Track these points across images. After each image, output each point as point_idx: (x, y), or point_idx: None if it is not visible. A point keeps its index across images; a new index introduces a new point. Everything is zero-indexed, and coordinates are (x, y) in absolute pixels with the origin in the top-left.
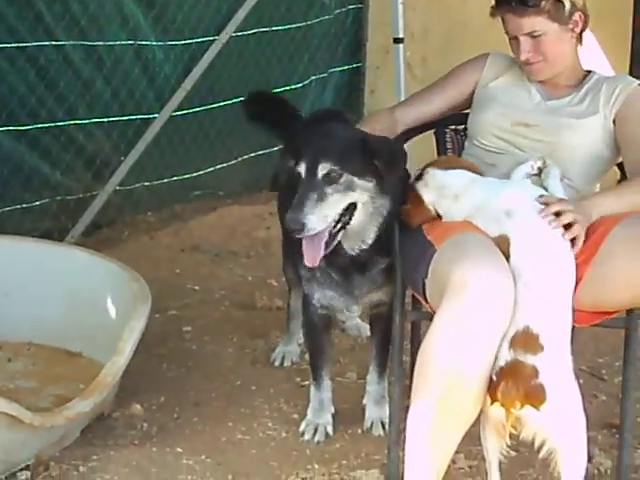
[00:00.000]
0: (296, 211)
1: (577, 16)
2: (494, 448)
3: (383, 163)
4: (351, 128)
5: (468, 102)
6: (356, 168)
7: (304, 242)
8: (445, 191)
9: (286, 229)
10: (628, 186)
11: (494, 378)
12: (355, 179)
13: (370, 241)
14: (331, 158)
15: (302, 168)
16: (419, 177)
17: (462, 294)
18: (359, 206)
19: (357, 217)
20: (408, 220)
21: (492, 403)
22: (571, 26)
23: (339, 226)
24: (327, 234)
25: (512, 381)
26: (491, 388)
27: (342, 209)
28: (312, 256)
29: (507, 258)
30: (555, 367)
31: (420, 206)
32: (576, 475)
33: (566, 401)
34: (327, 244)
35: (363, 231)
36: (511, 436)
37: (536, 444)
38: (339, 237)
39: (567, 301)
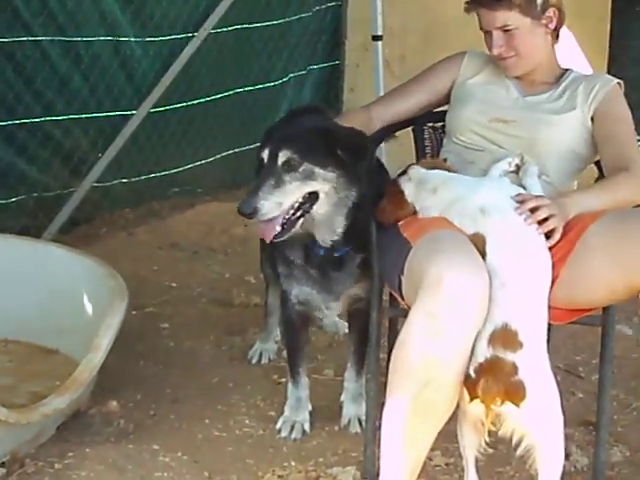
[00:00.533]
0: (250, 196)
1: (551, 12)
2: (471, 445)
3: (347, 154)
4: (319, 119)
5: (445, 100)
6: (317, 158)
7: (260, 224)
8: (425, 185)
9: (238, 212)
10: (607, 183)
11: (473, 375)
12: (316, 169)
13: (340, 230)
14: (291, 146)
15: (265, 155)
16: (403, 173)
17: (437, 290)
18: (321, 196)
19: (321, 207)
20: (385, 216)
21: (471, 400)
22: (544, 21)
23: (298, 213)
24: (282, 219)
25: (492, 378)
26: (470, 385)
27: (302, 197)
28: (266, 233)
29: (483, 256)
30: (534, 364)
31: (400, 200)
32: (553, 472)
33: (545, 398)
34: (285, 230)
35: (330, 221)
36: (489, 433)
37: (514, 441)
38: (298, 225)
39: (543, 299)
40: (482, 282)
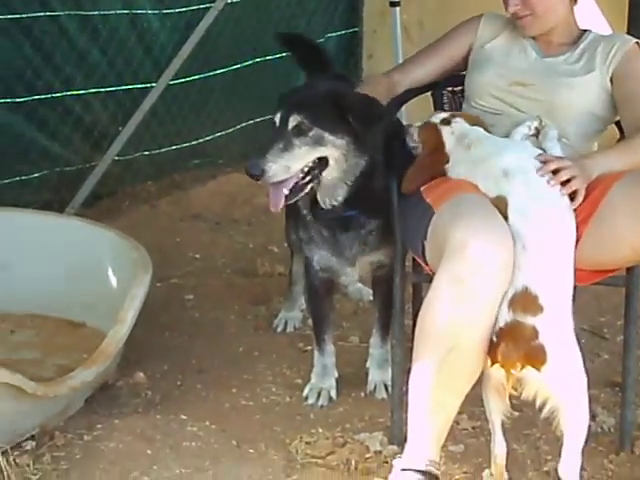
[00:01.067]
0: (258, 157)
1: None
2: (496, 409)
3: (357, 121)
4: (335, 85)
5: (463, 64)
6: (328, 124)
7: (269, 189)
8: (463, 140)
9: (246, 172)
10: (628, 144)
11: (494, 339)
12: (325, 134)
13: (340, 197)
14: (302, 111)
15: (277, 118)
16: (446, 122)
17: (462, 255)
18: (331, 162)
19: (329, 172)
20: (423, 170)
21: (492, 364)
22: None
23: (308, 178)
24: (291, 184)
25: (512, 342)
26: (491, 349)
27: (311, 162)
28: (273, 202)
29: (505, 219)
30: (555, 328)
31: (441, 154)
32: (578, 433)
33: (567, 361)
34: (293, 194)
35: (334, 187)
36: (512, 397)
37: (537, 404)
38: (307, 189)
39: (568, 261)
40: (507, 247)
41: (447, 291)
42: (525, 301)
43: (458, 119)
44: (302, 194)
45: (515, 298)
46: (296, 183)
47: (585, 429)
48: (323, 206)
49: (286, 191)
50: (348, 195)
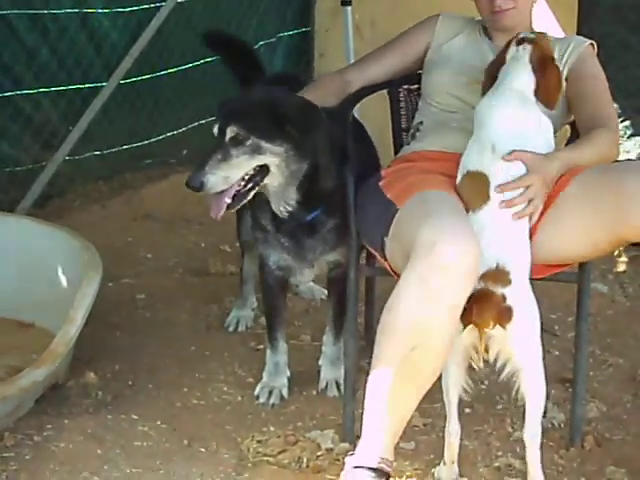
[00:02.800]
0: (197, 170)
1: None
2: (455, 383)
3: (294, 128)
4: (270, 92)
5: (419, 64)
6: (265, 132)
7: (210, 197)
8: (501, 74)
9: (186, 186)
10: (587, 140)
11: (465, 305)
12: (262, 142)
13: (293, 202)
14: (239, 122)
15: (215, 129)
16: (519, 42)
17: (429, 255)
18: (272, 169)
19: (273, 179)
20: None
21: (465, 327)
22: None
23: (249, 186)
24: (232, 193)
25: (485, 304)
26: (464, 313)
27: (251, 170)
28: (215, 210)
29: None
30: (520, 295)
31: (497, 62)
32: (537, 398)
33: (529, 322)
34: (235, 202)
35: (282, 192)
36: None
37: (498, 364)
38: (249, 196)
39: (527, 239)
40: (473, 248)
41: (413, 290)
42: (497, 275)
43: (528, 47)
44: (244, 201)
45: (488, 273)
46: (238, 191)
47: (543, 394)
48: (279, 214)
49: (228, 200)
50: (301, 198)
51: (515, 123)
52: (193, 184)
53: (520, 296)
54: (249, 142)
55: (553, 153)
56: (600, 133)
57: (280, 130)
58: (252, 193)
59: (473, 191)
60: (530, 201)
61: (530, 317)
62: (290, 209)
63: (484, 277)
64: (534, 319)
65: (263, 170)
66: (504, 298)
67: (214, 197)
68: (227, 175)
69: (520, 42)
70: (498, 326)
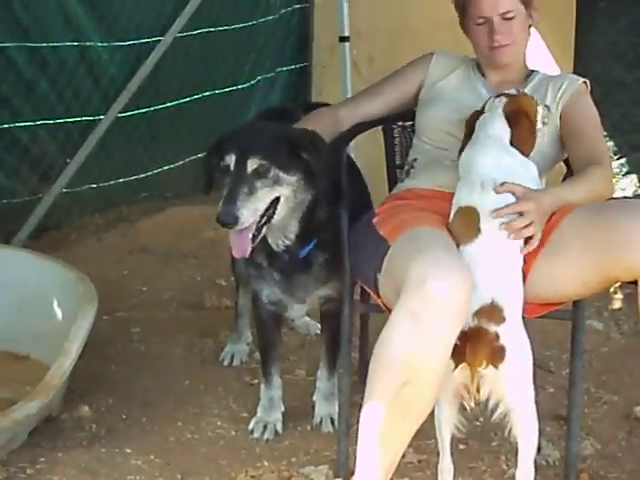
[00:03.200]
0: (229, 204)
1: (535, 4)
2: (448, 421)
3: (311, 157)
4: (276, 124)
5: (413, 102)
6: (282, 163)
7: (231, 235)
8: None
9: (218, 222)
10: (581, 178)
11: (457, 343)
12: (281, 173)
13: (293, 235)
14: (260, 152)
15: (231, 162)
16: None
17: (421, 291)
18: (281, 200)
19: (279, 212)
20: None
21: (457, 366)
22: (529, 12)
23: (264, 220)
24: (254, 227)
25: (478, 342)
26: (456, 351)
27: (268, 203)
28: (241, 249)
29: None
30: (514, 334)
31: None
32: (530, 439)
33: (521, 362)
34: (254, 237)
35: (284, 226)
36: (463, 409)
37: (490, 405)
38: (264, 231)
39: (520, 277)
40: (465, 283)
41: (404, 326)
42: (491, 312)
43: (503, 99)
44: (261, 236)
45: (482, 310)
46: (256, 226)
47: (536, 434)
48: (276, 248)
49: (251, 235)
50: (300, 232)
51: (500, 164)
52: (227, 220)
53: (513, 335)
54: (271, 174)
55: (545, 188)
56: (594, 170)
57: (294, 160)
58: (266, 228)
59: (464, 225)
60: (528, 225)
61: (523, 357)
62: (288, 243)
63: (479, 314)
64: (527, 359)
65: (274, 203)
66: (497, 337)
67: (236, 235)
68: (256, 208)
69: (498, 96)
70: (490, 366)
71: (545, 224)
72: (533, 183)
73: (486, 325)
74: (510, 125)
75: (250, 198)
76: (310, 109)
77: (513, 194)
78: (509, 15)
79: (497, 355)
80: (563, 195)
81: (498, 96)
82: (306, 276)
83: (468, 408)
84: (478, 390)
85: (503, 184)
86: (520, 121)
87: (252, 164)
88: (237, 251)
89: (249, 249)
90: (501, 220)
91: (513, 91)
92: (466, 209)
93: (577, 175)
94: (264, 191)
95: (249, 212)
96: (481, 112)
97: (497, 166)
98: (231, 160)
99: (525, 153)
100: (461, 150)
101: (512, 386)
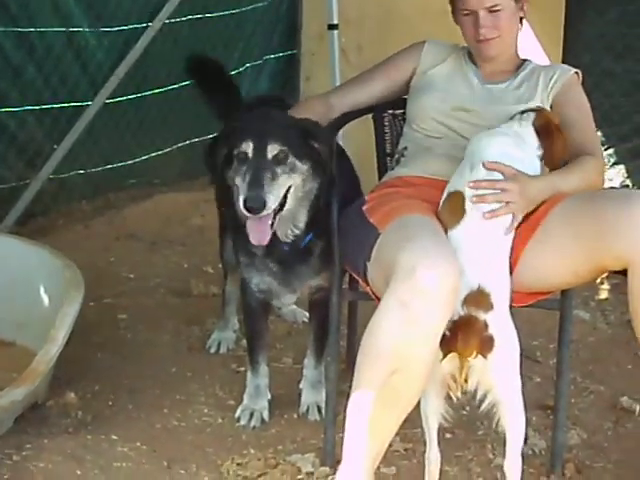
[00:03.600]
0: (256, 189)
1: None
2: (434, 411)
3: (322, 145)
4: (281, 112)
5: (404, 89)
6: (297, 150)
7: (250, 222)
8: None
9: (245, 208)
10: (572, 167)
11: (447, 333)
12: (296, 161)
13: (302, 225)
14: (279, 139)
15: (248, 149)
16: None
17: (410, 280)
18: (292, 189)
19: (289, 201)
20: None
21: (445, 356)
22: (520, 5)
23: (278, 208)
24: (273, 214)
25: (468, 331)
26: (445, 341)
27: (285, 191)
28: (260, 236)
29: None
30: (501, 323)
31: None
32: (517, 429)
33: (509, 353)
34: (273, 225)
35: (294, 215)
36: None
37: (479, 396)
38: (277, 220)
39: (507, 265)
40: (453, 272)
41: (393, 314)
42: (479, 298)
43: (532, 114)
44: (276, 225)
45: (470, 296)
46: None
47: (523, 425)
48: (284, 239)
49: (270, 222)
50: (308, 221)
51: (505, 154)
52: (255, 204)
53: (501, 325)
54: (289, 160)
55: (539, 177)
56: (587, 160)
57: (306, 148)
58: (278, 217)
59: (451, 210)
60: (507, 204)
61: (511, 347)
62: (297, 232)
63: (467, 301)
64: (514, 349)
65: (287, 192)
66: (486, 326)
67: (256, 222)
68: (279, 194)
69: (523, 112)
70: (480, 356)
71: (536, 212)
72: (532, 171)
73: (475, 313)
74: (541, 140)
75: (273, 184)
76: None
77: (503, 174)
78: (496, 8)
79: (486, 345)
80: (555, 183)
81: (524, 112)
82: (305, 266)
83: (454, 398)
84: (466, 380)
85: (495, 162)
86: (553, 135)
87: (272, 150)
88: (255, 238)
89: (268, 236)
90: (476, 192)
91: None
92: (454, 194)
93: (570, 164)
94: (283, 177)
95: (274, 197)
96: None
97: (501, 155)
98: (248, 147)
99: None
100: None
101: (500, 377)
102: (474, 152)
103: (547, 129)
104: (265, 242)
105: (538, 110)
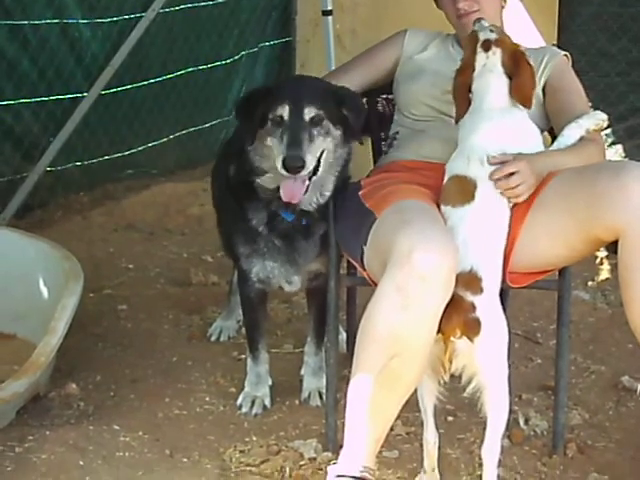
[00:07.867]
0: (296, 149)
1: None
2: (429, 392)
3: (352, 113)
4: (318, 78)
5: (389, 77)
6: (331, 115)
7: (285, 183)
8: (479, 82)
9: (284, 167)
10: (579, 148)
11: None
12: (330, 125)
13: (328, 193)
14: (315, 102)
15: (284, 112)
16: (486, 48)
17: (407, 264)
18: (324, 154)
19: (322, 165)
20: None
21: None
22: None
23: (311, 172)
24: (307, 177)
25: (453, 310)
26: None
27: (319, 154)
28: (294, 193)
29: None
30: (490, 307)
31: (466, 72)
32: (499, 416)
33: (496, 338)
34: (307, 188)
35: (322, 182)
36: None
37: (464, 380)
38: (310, 183)
39: (501, 251)
40: (450, 256)
41: (390, 299)
42: (469, 280)
43: (497, 51)
44: (309, 188)
45: (460, 276)
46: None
47: (506, 412)
48: (308, 208)
49: (307, 182)
50: (334, 190)
51: (502, 136)
52: (295, 163)
53: (489, 310)
54: (324, 123)
55: (541, 153)
56: (589, 145)
57: (338, 113)
58: (310, 182)
59: (458, 190)
60: (517, 186)
61: (498, 334)
62: (322, 202)
63: (456, 280)
64: (502, 336)
65: (320, 155)
66: (473, 307)
67: (291, 183)
68: (316, 155)
69: (487, 46)
70: (465, 338)
71: None
72: (535, 148)
73: (462, 293)
74: (510, 76)
75: (311, 145)
76: None
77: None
78: None
79: (472, 327)
80: (555, 160)
81: (487, 47)
82: (306, 242)
83: (441, 381)
84: (451, 361)
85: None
86: (521, 70)
87: (309, 112)
88: (288, 195)
89: (300, 196)
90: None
91: (494, 35)
92: (463, 177)
93: (574, 146)
94: (319, 140)
95: (312, 157)
96: (470, 67)
97: (498, 140)
98: (284, 110)
99: (527, 105)
100: (457, 119)
101: (486, 362)
102: (475, 143)
103: (516, 64)
104: (296, 200)
105: (500, 42)
